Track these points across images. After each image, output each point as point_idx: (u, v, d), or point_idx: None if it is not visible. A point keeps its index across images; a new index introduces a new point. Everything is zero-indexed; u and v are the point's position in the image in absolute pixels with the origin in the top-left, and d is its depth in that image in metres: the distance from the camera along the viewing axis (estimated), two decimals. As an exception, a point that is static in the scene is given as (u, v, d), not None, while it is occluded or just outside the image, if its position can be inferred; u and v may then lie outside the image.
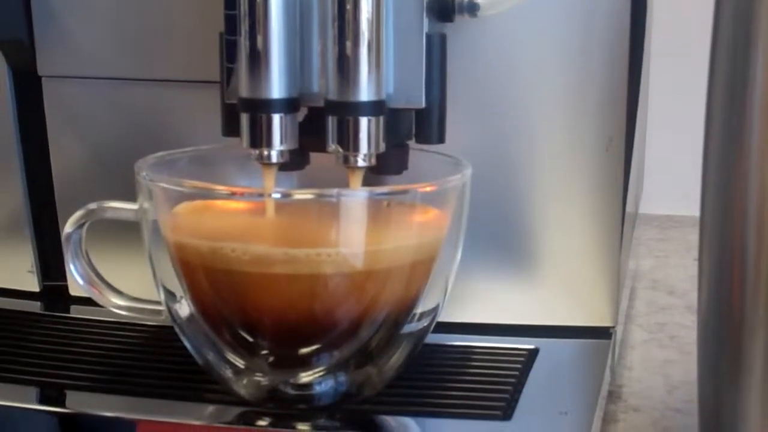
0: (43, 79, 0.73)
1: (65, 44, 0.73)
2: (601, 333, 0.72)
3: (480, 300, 0.72)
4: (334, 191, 0.55)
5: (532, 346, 0.69)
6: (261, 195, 0.61)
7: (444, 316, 0.65)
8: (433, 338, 0.65)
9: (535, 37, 0.67)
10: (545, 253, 0.72)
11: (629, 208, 0.75)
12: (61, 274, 0.75)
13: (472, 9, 0.61)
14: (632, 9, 0.67)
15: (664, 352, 0.83)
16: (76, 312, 0.73)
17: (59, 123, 0.75)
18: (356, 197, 0.56)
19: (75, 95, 0.74)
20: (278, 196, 0.60)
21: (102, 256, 0.65)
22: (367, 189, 0.57)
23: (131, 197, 0.63)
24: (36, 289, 0.78)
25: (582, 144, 0.69)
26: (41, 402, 0.65)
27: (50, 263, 0.78)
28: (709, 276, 0.57)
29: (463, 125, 0.67)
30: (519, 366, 0.67)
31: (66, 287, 0.76)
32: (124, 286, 0.64)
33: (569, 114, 0.68)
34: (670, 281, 0.99)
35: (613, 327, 0.72)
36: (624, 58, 0.68)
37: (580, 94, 0.68)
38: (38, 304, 0.77)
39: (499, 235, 0.71)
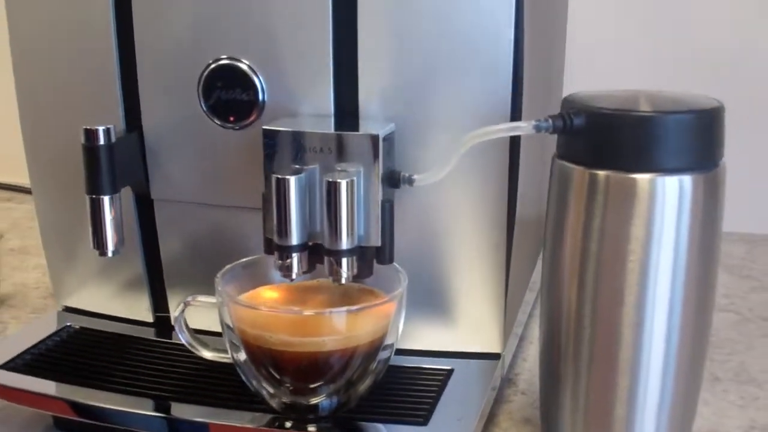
0: (155, 201, 0.81)
1: (168, 178, 0.79)
2: (495, 356, 0.79)
3: (417, 334, 0.78)
4: (327, 311, 0.68)
5: (449, 367, 0.77)
6: (285, 310, 0.71)
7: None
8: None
9: (452, 192, 0.74)
10: (459, 307, 0.78)
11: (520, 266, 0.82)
12: (166, 307, 0.85)
13: (411, 181, 0.71)
14: (509, 176, 0.74)
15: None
16: (175, 338, 0.76)
17: (165, 225, 0.82)
18: (340, 313, 0.69)
19: (175, 211, 0.81)
20: (294, 310, 0.71)
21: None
22: (346, 308, 0.69)
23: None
24: (150, 320, 0.85)
25: (480, 246, 0.76)
26: (151, 409, 0.72)
27: (160, 302, 0.85)
28: (543, 337, 0.70)
29: (409, 239, 0.75)
30: (439, 382, 0.75)
31: (170, 317, 0.83)
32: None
33: (474, 229, 0.75)
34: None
35: (502, 353, 0.79)
36: (504, 212, 0.75)
37: (481, 219, 0.75)
38: (152, 330, 0.84)
39: (429, 293, 0.78)
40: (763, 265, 1.20)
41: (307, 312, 0.70)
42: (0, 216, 1.39)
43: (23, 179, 1.37)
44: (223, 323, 0.70)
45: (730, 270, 1.18)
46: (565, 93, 1.10)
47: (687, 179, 0.61)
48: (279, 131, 0.69)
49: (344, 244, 0.68)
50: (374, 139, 0.68)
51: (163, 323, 0.85)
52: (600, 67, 1.30)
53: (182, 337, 0.73)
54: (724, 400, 0.86)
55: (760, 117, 1.29)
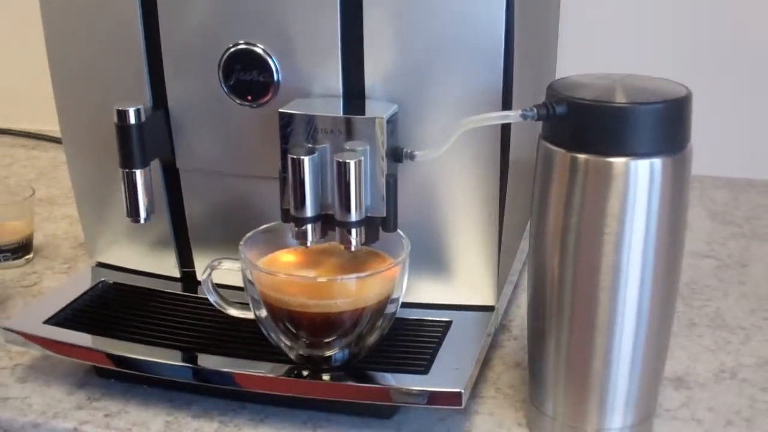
0: (180, 170, 0.87)
1: (193, 150, 0.85)
2: (490, 308, 0.85)
3: (419, 290, 0.84)
4: (339, 277, 0.75)
5: (447, 319, 0.83)
6: (301, 277, 0.78)
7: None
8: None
9: (449, 164, 0.80)
10: (457, 265, 0.84)
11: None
12: (192, 264, 0.92)
13: (412, 156, 0.77)
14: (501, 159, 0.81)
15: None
16: (201, 293, 0.83)
17: (190, 192, 0.88)
18: (350, 279, 0.75)
19: (199, 179, 0.87)
20: (309, 276, 0.78)
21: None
22: (355, 274, 0.75)
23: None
24: (177, 275, 0.92)
25: (475, 215, 0.82)
26: (180, 360, 0.79)
27: (186, 259, 0.92)
28: (530, 298, 0.76)
29: (411, 207, 0.81)
30: (439, 333, 0.81)
31: (194, 272, 0.91)
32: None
33: (469, 199, 0.82)
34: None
35: (496, 305, 0.85)
36: (496, 185, 0.81)
37: (476, 191, 0.81)
38: (179, 285, 0.91)
39: (429, 255, 0.84)
40: (745, 212, 1.28)
41: (321, 279, 0.78)
42: (26, 165, 1.47)
43: (46, 126, 1.46)
44: (245, 282, 0.78)
45: (713, 216, 1.26)
46: (561, 52, 1.18)
47: (657, 162, 0.68)
48: (294, 114, 0.77)
49: (353, 216, 0.75)
50: (379, 121, 0.75)
51: (189, 278, 0.93)
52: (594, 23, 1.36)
53: (210, 298, 0.80)
54: (698, 345, 0.94)
55: (748, 63, 1.35)
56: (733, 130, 1.36)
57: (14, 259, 1.09)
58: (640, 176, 0.68)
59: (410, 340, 0.82)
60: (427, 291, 0.86)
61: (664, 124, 0.68)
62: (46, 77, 0.90)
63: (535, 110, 0.69)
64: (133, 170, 0.81)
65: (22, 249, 1.10)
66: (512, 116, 0.70)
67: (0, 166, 1.45)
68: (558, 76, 1.10)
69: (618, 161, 0.68)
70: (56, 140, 1.50)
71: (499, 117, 0.73)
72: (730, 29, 1.33)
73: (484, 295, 0.86)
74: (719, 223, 1.23)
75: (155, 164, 0.87)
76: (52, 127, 1.34)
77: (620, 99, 0.68)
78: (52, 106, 0.91)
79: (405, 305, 0.81)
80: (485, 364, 0.88)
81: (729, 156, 1.37)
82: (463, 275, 0.85)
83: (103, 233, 0.94)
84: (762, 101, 1.35)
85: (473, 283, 0.86)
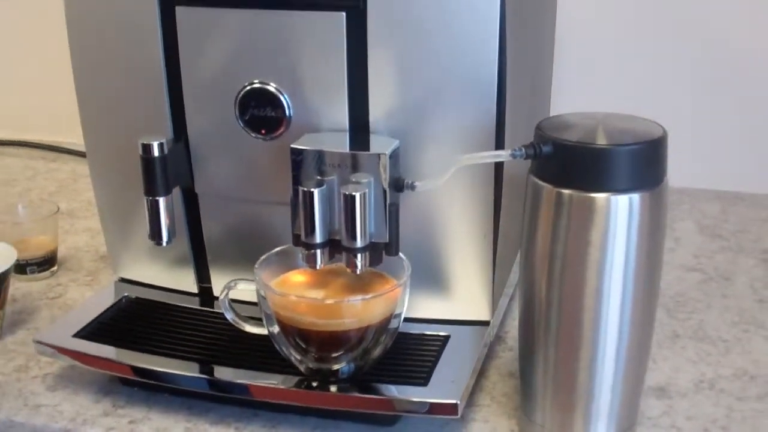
0: (199, 195, 0.93)
1: (211, 178, 0.91)
2: (485, 323, 0.90)
3: (418, 305, 0.89)
4: (345, 299, 0.81)
5: (446, 333, 0.88)
6: (311, 299, 0.83)
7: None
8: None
9: (447, 192, 0.85)
10: (455, 284, 0.90)
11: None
12: (209, 280, 0.98)
13: (413, 187, 0.82)
14: (495, 191, 0.87)
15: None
16: (217, 307, 0.88)
17: (208, 215, 0.94)
18: (356, 301, 0.81)
19: (216, 203, 0.93)
20: (318, 298, 0.83)
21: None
22: (360, 296, 0.81)
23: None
24: (195, 291, 0.98)
25: (470, 238, 0.88)
26: (198, 371, 0.84)
27: (203, 276, 0.98)
28: (521, 318, 0.82)
29: (412, 232, 0.86)
30: (437, 347, 0.86)
31: (211, 288, 0.97)
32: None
33: (465, 224, 0.87)
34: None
35: (490, 320, 0.90)
36: (490, 209, 0.87)
37: (472, 215, 0.87)
38: (197, 299, 0.97)
39: (429, 274, 0.89)
40: (733, 225, 1.34)
41: (329, 301, 0.84)
42: (47, 178, 1.53)
43: (66, 138, 1.52)
44: (259, 300, 0.84)
45: (702, 229, 1.32)
46: (557, 74, 1.24)
47: (635, 197, 0.75)
48: (304, 149, 0.83)
49: (359, 242, 0.81)
50: (383, 157, 0.82)
51: (206, 293, 0.99)
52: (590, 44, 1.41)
53: (227, 315, 0.86)
54: (680, 356, 1.00)
55: (738, 78, 1.41)
56: (724, 143, 1.41)
57: (40, 271, 1.16)
58: (620, 210, 0.75)
59: (411, 353, 0.87)
60: (427, 307, 0.91)
61: (642, 163, 0.75)
62: (65, 90, 0.97)
63: (523, 150, 0.76)
64: (157, 198, 0.88)
65: (47, 262, 1.17)
66: (503, 155, 0.77)
67: (23, 178, 1.52)
68: (555, 91, 1.15)
69: (599, 196, 0.74)
70: (75, 152, 1.56)
71: (492, 156, 0.80)
72: (722, 48, 1.39)
73: (480, 311, 0.91)
74: (708, 237, 1.29)
75: (176, 189, 0.92)
76: (72, 140, 1.42)
77: (601, 141, 0.75)
78: (71, 118, 0.97)
79: (407, 320, 0.86)
80: (481, 373, 0.93)
81: (719, 169, 1.42)
82: (460, 293, 0.91)
83: (126, 251, 1.01)
84: (752, 115, 1.40)
85: (470, 299, 0.91)
